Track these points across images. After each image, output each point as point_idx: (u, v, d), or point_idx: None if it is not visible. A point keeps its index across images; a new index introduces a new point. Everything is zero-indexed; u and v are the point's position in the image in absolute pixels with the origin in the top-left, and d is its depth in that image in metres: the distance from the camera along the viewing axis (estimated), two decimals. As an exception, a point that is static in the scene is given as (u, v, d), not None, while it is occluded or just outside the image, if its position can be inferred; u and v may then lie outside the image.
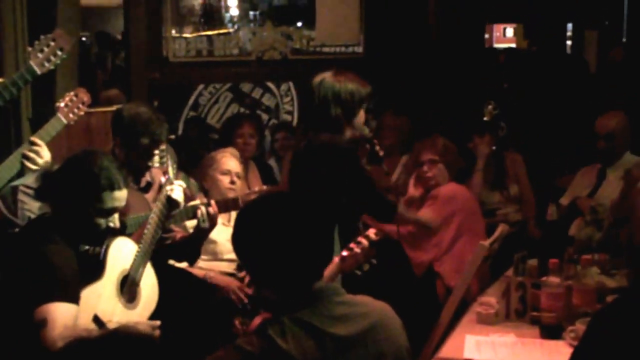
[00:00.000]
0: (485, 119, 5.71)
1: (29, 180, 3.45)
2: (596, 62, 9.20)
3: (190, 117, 7.29)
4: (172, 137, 6.43)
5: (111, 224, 3.12)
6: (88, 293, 3.04)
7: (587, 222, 4.38)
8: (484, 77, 8.06)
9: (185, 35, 7.27)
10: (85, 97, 3.74)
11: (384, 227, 4.87)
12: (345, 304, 2.33)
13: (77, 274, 3.00)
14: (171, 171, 3.55)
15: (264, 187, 4.24)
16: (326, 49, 7.50)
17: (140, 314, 3.23)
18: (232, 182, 4.59)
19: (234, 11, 7.48)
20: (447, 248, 4.84)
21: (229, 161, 4.66)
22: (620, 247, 3.92)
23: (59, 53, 3.59)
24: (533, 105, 7.53)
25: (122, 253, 3.23)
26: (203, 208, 3.69)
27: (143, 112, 3.90)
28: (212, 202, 3.76)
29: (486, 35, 10.59)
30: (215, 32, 7.38)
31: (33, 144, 3.52)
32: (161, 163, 3.67)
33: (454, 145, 5.12)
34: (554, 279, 3.32)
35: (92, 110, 4.81)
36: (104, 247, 3.15)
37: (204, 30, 7.35)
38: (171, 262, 4.00)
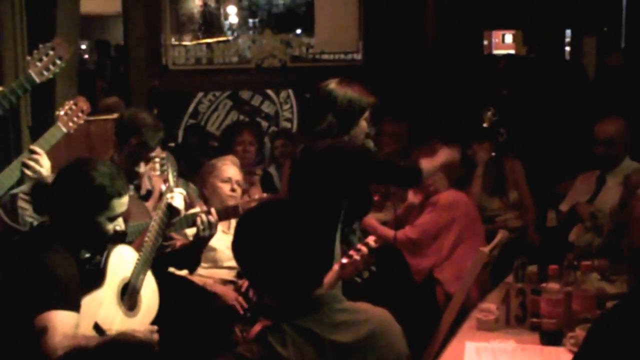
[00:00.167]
0: (484, 125, 5.72)
1: (28, 188, 3.45)
2: (595, 68, 9.21)
3: (190, 124, 7.30)
4: (172, 144, 6.46)
5: (118, 228, 3.13)
6: (89, 301, 3.04)
7: (586, 228, 4.39)
8: (483, 84, 8.07)
9: (184, 43, 7.29)
10: (84, 105, 3.74)
11: (383, 233, 4.89)
12: (345, 311, 2.33)
13: (78, 282, 3.00)
14: (171, 179, 3.55)
15: (264, 195, 4.24)
16: (325, 56, 7.52)
17: (140, 321, 3.23)
18: (233, 190, 4.59)
19: (233, 19, 7.50)
20: (447, 255, 4.84)
21: (230, 169, 4.66)
22: (620, 253, 3.92)
23: (58, 62, 3.60)
24: (532, 111, 7.54)
25: (122, 261, 3.23)
26: (203, 216, 3.69)
27: (141, 114, 3.95)
28: (212, 209, 3.76)
29: (485, 42, 10.61)
30: (215, 39, 7.40)
31: (33, 152, 3.53)
32: (162, 171, 3.67)
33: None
34: (553, 285, 3.32)
35: (92, 118, 4.82)
36: (105, 255, 3.16)
37: (204, 38, 7.37)
38: (171, 269, 4.00)
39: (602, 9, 9.65)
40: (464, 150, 5.65)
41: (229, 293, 4.33)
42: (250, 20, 7.52)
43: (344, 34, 7.46)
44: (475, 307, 3.66)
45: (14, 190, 3.47)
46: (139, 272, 3.25)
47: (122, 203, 3.10)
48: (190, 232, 3.97)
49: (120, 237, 3.20)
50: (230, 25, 7.49)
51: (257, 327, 2.36)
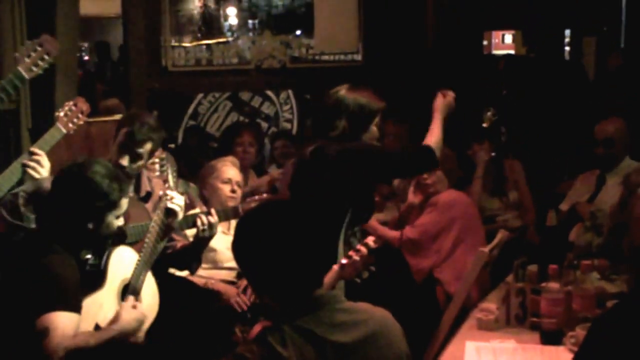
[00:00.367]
0: (484, 125, 5.72)
1: (29, 187, 3.45)
2: (595, 68, 9.22)
3: (189, 125, 7.31)
4: (172, 145, 6.46)
5: (120, 221, 3.15)
6: (89, 302, 3.04)
7: (586, 227, 4.39)
8: (483, 84, 8.07)
9: (184, 44, 7.30)
10: (84, 106, 3.75)
11: (385, 234, 4.89)
12: (346, 311, 2.33)
13: (79, 283, 3.00)
14: (171, 180, 3.55)
15: (264, 195, 4.24)
16: (325, 57, 7.53)
17: (141, 322, 3.23)
18: (233, 191, 4.59)
19: (233, 20, 7.51)
20: (447, 255, 4.84)
21: (230, 170, 4.66)
22: (620, 253, 3.92)
23: (47, 57, 3.60)
24: (532, 111, 7.54)
25: (122, 262, 3.23)
26: (203, 216, 3.69)
27: (142, 112, 3.95)
28: (212, 210, 3.77)
29: (485, 42, 10.61)
30: (215, 41, 7.40)
31: (33, 154, 3.53)
32: (161, 172, 3.67)
33: (453, 153, 5.13)
34: (553, 285, 3.33)
35: (92, 119, 4.82)
36: (105, 256, 3.16)
37: (203, 39, 7.38)
38: (172, 270, 4.01)
39: (601, 9, 9.65)
40: (464, 151, 5.66)
41: (230, 290, 4.34)
42: (250, 22, 7.52)
43: (343, 34, 7.46)
44: (476, 307, 3.67)
45: (15, 190, 3.47)
46: (139, 274, 3.26)
47: (126, 200, 3.13)
48: (191, 232, 3.97)
49: (119, 238, 3.20)
50: (230, 26, 7.50)
51: (257, 328, 2.36)
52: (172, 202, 3.42)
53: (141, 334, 3.13)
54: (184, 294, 4.06)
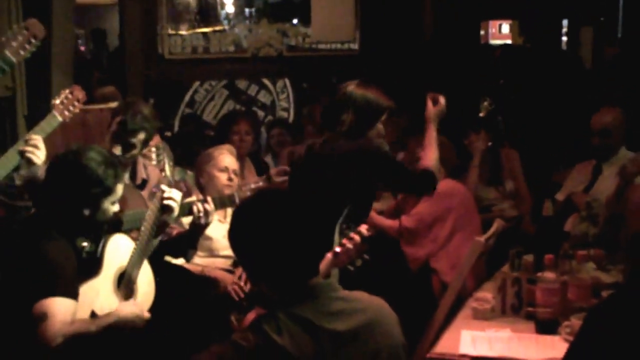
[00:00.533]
0: (481, 115, 5.72)
1: (24, 173, 3.45)
2: (592, 58, 9.21)
3: (186, 114, 7.30)
4: (168, 134, 6.45)
5: (116, 207, 3.15)
6: (85, 289, 3.05)
7: (582, 217, 4.40)
8: (480, 74, 8.06)
9: (180, 32, 7.28)
10: (80, 94, 3.74)
11: (383, 223, 4.89)
12: (341, 299, 2.33)
13: (76, 269, 3.00)
14: (167, 168, 3.55)
15: (260, 183, 4.23)
16: (322, 46, 7.51)
17: (136, 310, 3.23)
18: (230, 179, 4.58)
19: (230, 8, 7.49)
20: (443, 244, 4.84)
21: (227, 158, 4.65)
22: (615, 243, 3.93)
23: (33, 41, 3.59)
24: (529, 101, 7.54)
25: (119, 250, 3.23)
26: (199, 204, 3.69)
27: (137, 101, 3.94)
28: (208, 198, 3.76)
29: (482, 32, 10.58)
30: (211, 29, 7.38)
31: (29, 140, 3.52)
32: (158, 160, 3.67)
33: (449, 142, 5.13)
34: (549, 275, 3.33)
35: (88, 107, 4.81)
36: (101, 243, 3.16)
37: (200, 27, 7.35)
38: (167, 258, 4.00)
39: (599, -1, 9.65)
40: (460, 140, 5.66)
41: (226, 277, 4.34)
42: (247, 10, 7.50)
43: (340, 23, 7.45)
44: (471, 296, 3.67)
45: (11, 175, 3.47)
46: (135, 262, 3.26)
47: (121, 185, 3.13)
48: (186, 220, 3.97)
49: (115, 225, 3.20)
50: (227, 14, 7.47)
51: (251, 316, 2.36)
52: (168, 199, 3.40)
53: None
54: (180, 281, 4.06)
